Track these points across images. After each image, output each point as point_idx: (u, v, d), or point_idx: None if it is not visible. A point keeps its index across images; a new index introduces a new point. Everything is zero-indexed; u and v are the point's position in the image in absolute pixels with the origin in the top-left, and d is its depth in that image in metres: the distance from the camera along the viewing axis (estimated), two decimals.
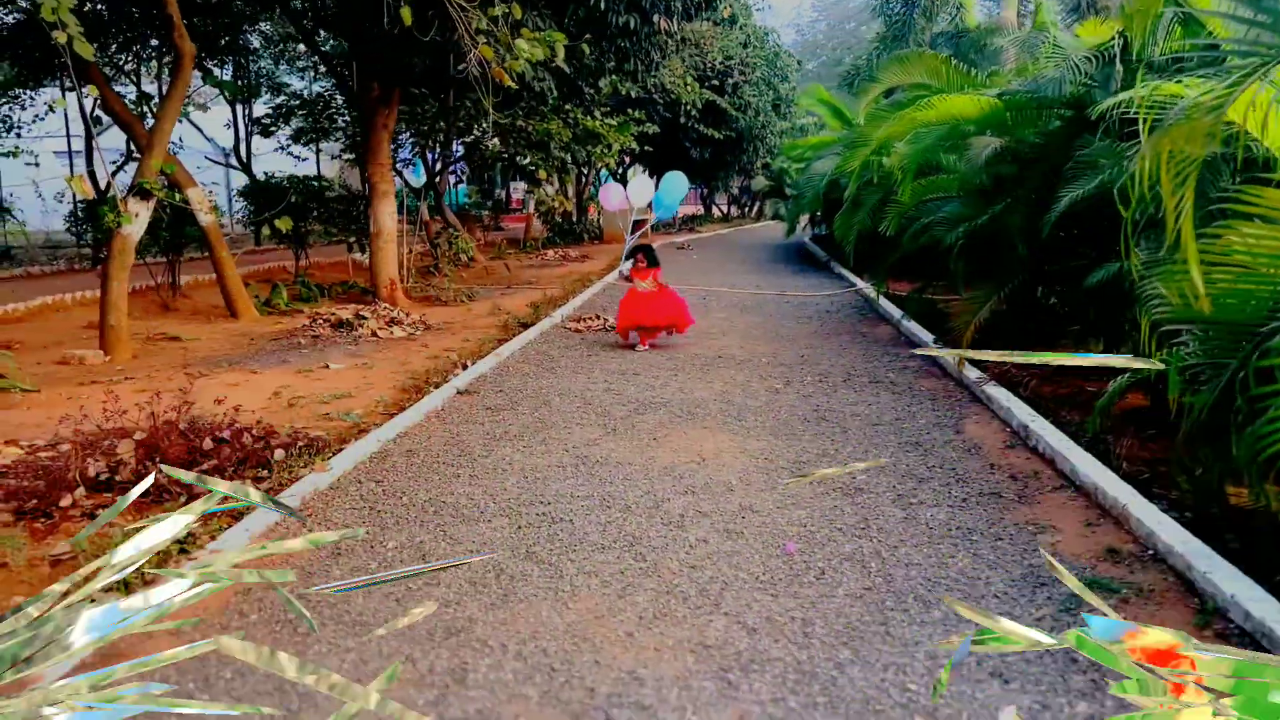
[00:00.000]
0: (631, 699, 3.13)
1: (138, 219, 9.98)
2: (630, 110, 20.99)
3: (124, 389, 7.80)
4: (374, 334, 10.70)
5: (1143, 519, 4.48)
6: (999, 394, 7.08)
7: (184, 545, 4.23)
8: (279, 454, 5.59)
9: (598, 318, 11.56)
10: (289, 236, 15.07)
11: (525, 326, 11.02)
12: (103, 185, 19.55)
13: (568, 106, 17.32)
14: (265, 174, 16.87)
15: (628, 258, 10.28)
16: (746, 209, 44.37)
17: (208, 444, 5.47)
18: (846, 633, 3.60)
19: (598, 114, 18.51)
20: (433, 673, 3.30)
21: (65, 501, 4.89)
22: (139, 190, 9.96)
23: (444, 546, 4.45)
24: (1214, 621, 3.65)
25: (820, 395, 7.59)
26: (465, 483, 5.41)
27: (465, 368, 8.50)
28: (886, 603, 3.86)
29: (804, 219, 24.32)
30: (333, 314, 11.34)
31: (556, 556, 4.34)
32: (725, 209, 43.68)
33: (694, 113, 26.29)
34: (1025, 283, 8.08)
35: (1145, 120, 3.86)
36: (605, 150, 17.88)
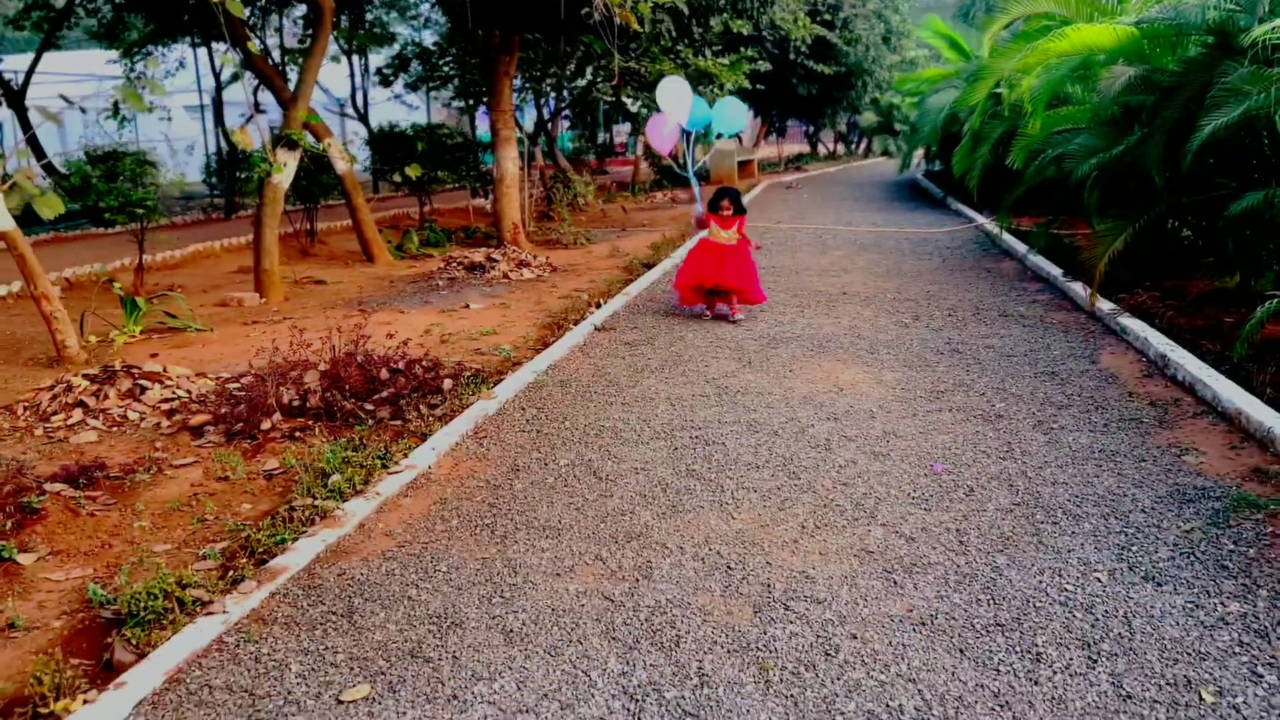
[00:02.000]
0: (806, 594, 3.45)
1: (287, 168, 10.58)
2: (741, 48, 20.88)
3: (285, 328, 8.40)
4: (505, 276, 11.16)
5: None
6: (1134, 325, 7.10)
7: (384, 461, 4.71)
8: (447, 383, 6.04)
9: None
10: (414, 183, 15.65)
11: (648, 267, 11.33)
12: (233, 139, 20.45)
13: (679, 47, 17.38)
14: (389, 123, 17.44)
15: (713, 204, 8.37)
16: (853, 146, 43.62)
17: (384, 374, 5.96)
18: (1000, 542, 3.85)
19: (708, 53, 18.52)
20: (622, 569, 3.68)
21: (265, 425, 5.43)
22: (286, 141, 10.55)
23: (611, 465, 4.82)
24: None
25: (950, 329, 7.72)
26: (619, 409, 5.77)
27: (599, 306, 8.87)
28: (1036, 516, 4.09)
29: (918, 154, 23.92)
30: (465, 257, 11.83)
31: (715, 474, 4.67)
32: (832, 147, 43.00)
33: (803, 49, 25.96)
34: (1160, 215, 8.01)
35: None
36: (717, 90, 17.91)
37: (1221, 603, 3.31)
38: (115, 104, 21.01)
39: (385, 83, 22.20)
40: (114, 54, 20.75)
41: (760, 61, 21.43)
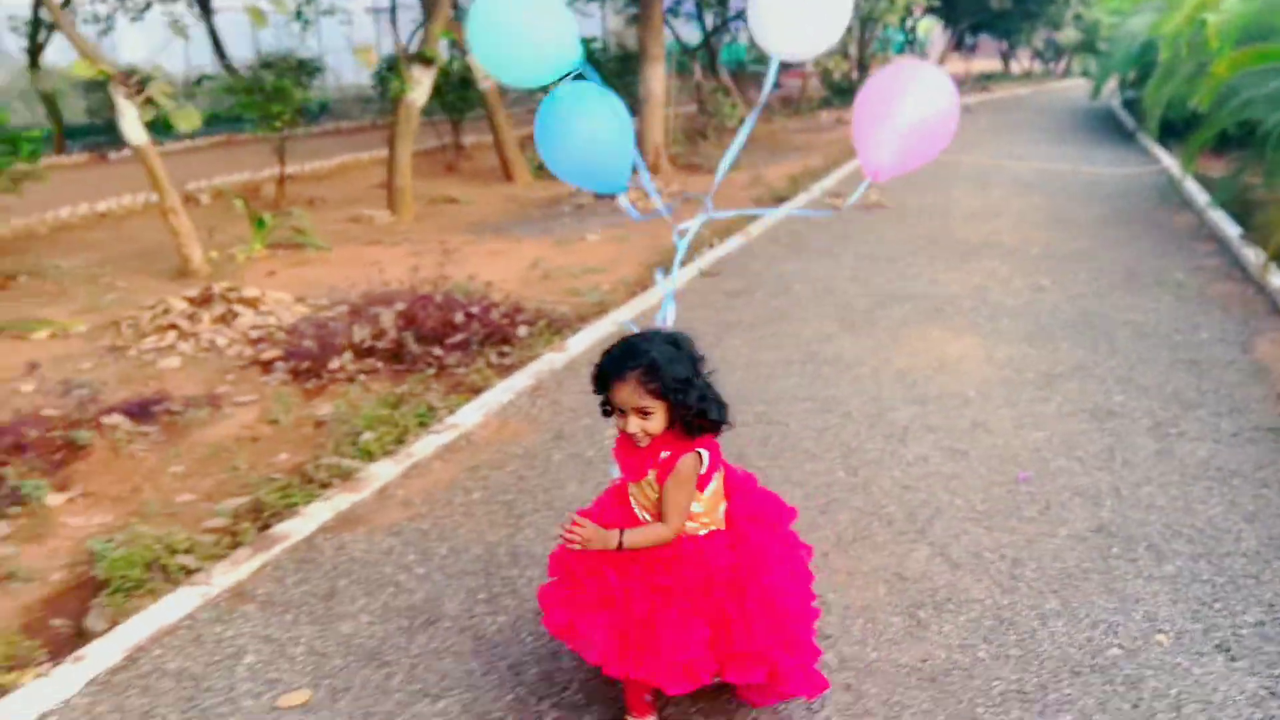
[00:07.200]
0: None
1: (420, 86, 10.52)
2: None
3: (400, 251, 8.43)
4: (632, 204, 10.84)
5: None
6: None
7: (423, 419, 4.60)
8: (522, 330, 5.87)
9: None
10: None
11: (781, 201, 10.78)
12: (404, 47, 20.76)
13: None
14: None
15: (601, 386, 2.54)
16: (1051, 66, 40.38)
17: (459, 318, 5.83)
18: (1058, 581, 3.37)
19: None
20: None
21: (334, 364, 5.41)
22: (420, 57, 10.47)
23: None
24: None
25: (1091, 297, 6.94)
26: None
27: (711, 246, 8.49)
28: (1112, 550, 3.57)
29: (1112, 81, 21.86)
30: None
31: (766, 461, 4.33)
32: (1027, 65, 39.89)
33: None
34: None
35: None
36: (888, 5, 16.73)
37: None
38: (299, 9, 21.43)
39: None
40: None
41: None
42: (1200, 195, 10.32)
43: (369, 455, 4.20)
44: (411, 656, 2.95)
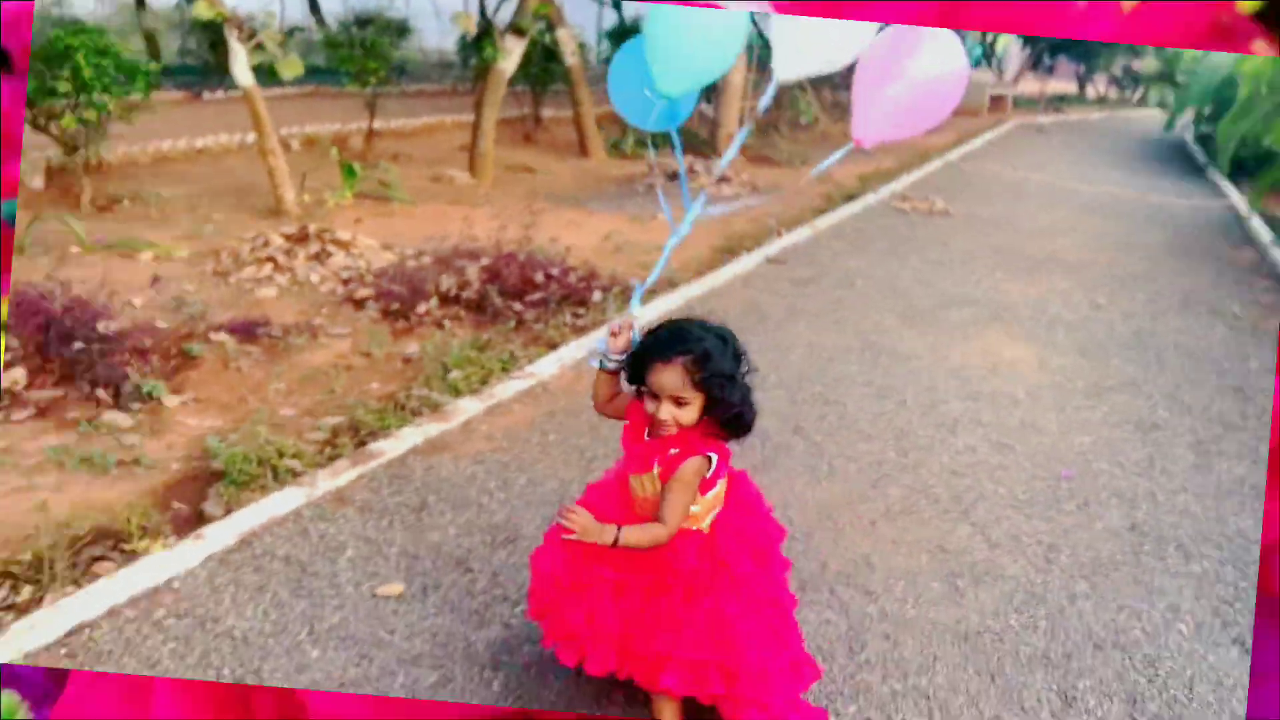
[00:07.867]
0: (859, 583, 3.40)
1: (510, 56, 10.86)
2: None
3: (481, 214, 8.77)
4: (703, 190, 11.12)
5: None
6: None
7: (505, 365, 4.93)
8: (597, 295, 6.19)
9: (927, 199, 11.25)
10: None
11: (849, 199, 10.99)
12: (490, 14, 21.09)
13: None
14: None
15: (637, 368, 2.47)
16: (1127, 93, 39.88)
17: (539, 277, 6.15)
18: (1089, 567, 3.62)
19: None
20: None
21: (421, 308, 5.76)
22: (514, 28, 10.80)
23: None
24: None
25: (1145, 317, 7.11)
26: (753, 350, 5.66)
27: (780, 235, 8.74)
28: (1145, 547, 3.81)
29: (1188, 114, 21.66)
30: (670, 165, 11.86)
31: (821, 436, 4.61)
32: (1103, 91, 39.46)
33: None
34: None
35: None
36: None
37: None
38: None
39: None
40: None
41: None
42: (1265, 233, 10.38)
43: (456, 391, 4.54)
44: (493, 566, 3.28)
